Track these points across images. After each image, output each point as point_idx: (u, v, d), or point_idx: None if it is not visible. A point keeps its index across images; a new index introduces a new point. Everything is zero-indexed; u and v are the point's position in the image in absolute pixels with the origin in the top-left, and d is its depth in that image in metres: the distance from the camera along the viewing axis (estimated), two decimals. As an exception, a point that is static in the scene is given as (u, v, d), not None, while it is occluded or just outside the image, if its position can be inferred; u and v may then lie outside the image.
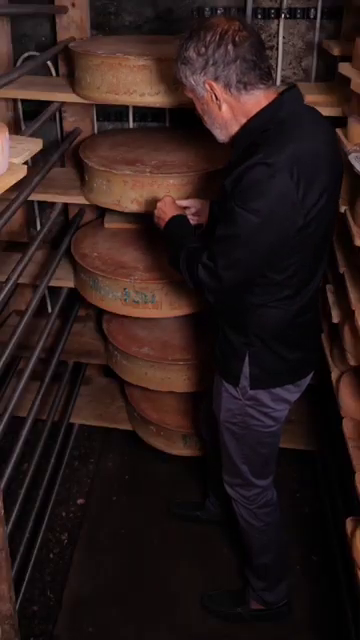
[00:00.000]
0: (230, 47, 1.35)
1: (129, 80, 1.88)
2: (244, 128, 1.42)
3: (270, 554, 1.87)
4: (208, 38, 1.36)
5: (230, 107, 1.41)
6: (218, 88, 1.39)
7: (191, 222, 1.74)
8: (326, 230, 1.47)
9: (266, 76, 1.39)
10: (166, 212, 1.69)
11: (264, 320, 1.52)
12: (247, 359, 1.57)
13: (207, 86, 1.40)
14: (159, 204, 1.72)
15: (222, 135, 1.48)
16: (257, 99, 1.40)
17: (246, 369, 1.58)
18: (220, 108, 1.42)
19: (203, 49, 1.37)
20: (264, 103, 1.40)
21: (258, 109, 1.40)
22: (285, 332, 1.55)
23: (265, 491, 1.80)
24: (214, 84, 1.39)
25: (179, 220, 1.67)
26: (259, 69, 1.37)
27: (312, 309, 1.59)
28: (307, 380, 1.69)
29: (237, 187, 1.33)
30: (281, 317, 1.51)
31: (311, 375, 1.69)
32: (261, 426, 1.65)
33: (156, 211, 1.72)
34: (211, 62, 1.37)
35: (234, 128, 1.44)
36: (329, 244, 1.57)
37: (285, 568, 1.95)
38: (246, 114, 1.41)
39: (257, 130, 1.39)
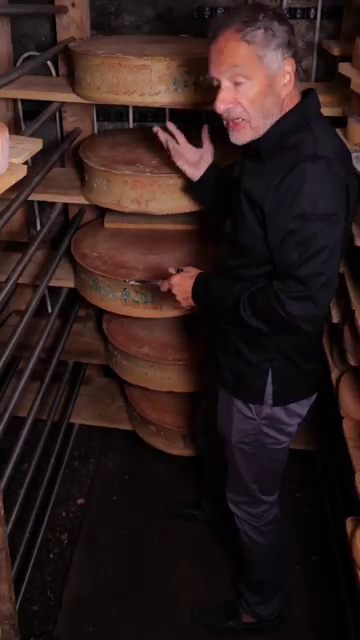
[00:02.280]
0: (294, 35, 1.32)
1: (129, 80, 1.88)
2: (272, 129, 1.35)
3: (269, 570, 1.84)
4: (284, 17, 1.31)
5: (287, 95, 1.33)
6: (293, 69, 1.31)
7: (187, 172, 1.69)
8: (350, 227, 1.45)
9: None
10: (183, 285, 1.54)
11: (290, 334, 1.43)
12: (270, 376, 1.50)
13: (285, 64, 1.29)
14: (173, 283, 1.55)
15: (263, 127, 1.35)
16: (298, 92, 1.36)
17: (269, 385, 1.50)
18: (282, 93, 1.32)
19: (286, 26, 1.29)
20: (297, 100, 1.36)
21: (293, 105, 1.35)
22: (306, 343, 1.50)
23: (272, 507, 1.76)
24: (293, 64, 1.30)
25: (203, 282, 1.52)
26: None
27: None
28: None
29: (294, 191, 1.26)
30: None
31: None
32: (275, 443, 1.60)
33: (175, 292, 1.56)
34: (293, 41, 1.30)
35: (270, 123, 1.35)
36: None
37: (281, 582, 1.92)
38: (285, 108, 1.35)
39: (286, 131, 1.33)
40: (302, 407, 1.59)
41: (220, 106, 1.34)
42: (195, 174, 1.75)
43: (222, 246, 1.56)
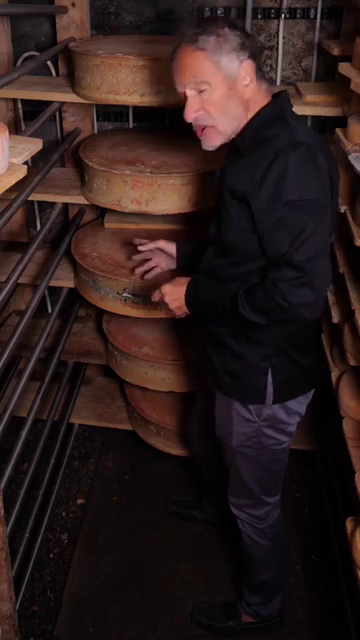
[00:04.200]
0: (249, 37, 1.36)
1: (129, 80, 1.88)
2: (253, 122, 1.39)
3: (271, 571, 1.84)
4: (236, 23, 1.37)
5: (251, 95, 1.38)
6: (252, 70, 1.35)
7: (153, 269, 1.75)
8: (336, 214, 1.46)
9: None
10: (174, 293, 1.56)
11: (287, 325, 1.43)
12: (270, 373, 1.49)
13: (245, 66, 1.34)
14: (164, 292, 1.57)
15: (231, 130, 1.40)
16: (267, 92, 1.40)
17: (269, 383, 1.50)
18: (245, 94, 1.37)
19: (238, 30, 1.35)
20: (265, 100, 1.40)
21: (263, 104, 1.39)
22: (302, 336, 1.50)
23: (275, 508, 1.75)
24: (251, 64, 1.34)
25: (195, 286, 1.53)
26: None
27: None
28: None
29: (278, 179, 1.27)
30: None
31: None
32: (276, 444, 1.60)
33: (168, 302, 1.58)
34: (248, 43, 1.34)
35: (242, 123, 1.40)
36: None
37: (281, 582, 1.92)
38: (255, 107, 1.39)
39: (263, 125, 1.37)
40: (301, 405, 1.59)
41: (190, 115, 1.39)
42: (174, 263, 1.81)
43: (207, 252, 1.56)
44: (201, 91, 1.36)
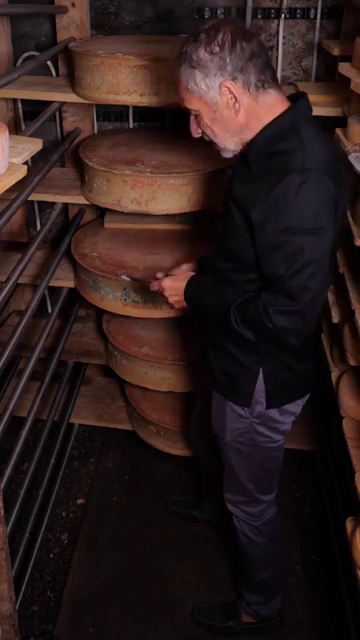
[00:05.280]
0: (244, 44, 1.26)
1: (129, 80, 1.88)
2: (261, 134, 1.33)
3: (269, 570, 1.84)
4: (220, 37, 1.26)
5: (246, 111, 1.32)
6: (237, 89, 1.29)
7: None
8: (340, 237, 1.43)
9: (275, 75, 1.35)
10: (174, 288, 1.57)
11: None
12: (261, 378, 1.50)
13: (224, 89, 1.29)
14: (165, 287, 1.59)
15: (234, 145, 1.38)
16: (274, 100, 1.33)
17: (260, 387, 1.50)
18: (237, 113, 1.32)
19: (217, 48, 1.26)
20: (279, 108, 1.33)
21: (274, 113, 1.32)
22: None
23: (270, 506, 1.75)
24: (233, 85, 1.28)
25: (195, 285, 1.54)
26: (271, 67, 1.33)
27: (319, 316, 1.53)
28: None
29: (280, 203, 1.25)
30: None
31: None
32: (269, 442, 1.60)
33: (167, 295, 1.59)
34: (228, 61, 1.27)
35: (248, 136, 1.35)
36: None
37: (281, 582, 1.92)
38: (261, 119, 1.33)
39: (275, 137, 1.32)
40: (296, 406, 1.59)
41: (193, 134, 1.43)
42: None
43: (215, 248, 1.57)
44: (195, 114, 1.38)
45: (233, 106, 1.32)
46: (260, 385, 1.51)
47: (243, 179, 1.38)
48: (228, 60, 1.27)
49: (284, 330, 1.32)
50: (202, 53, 1.28)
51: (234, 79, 1.29)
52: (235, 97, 1.30)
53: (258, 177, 1.32)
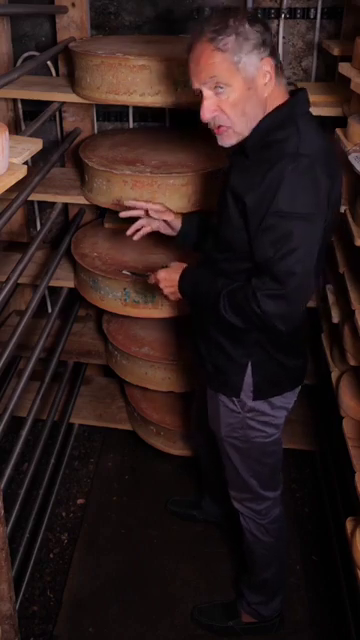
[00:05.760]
0: (268, 32, 1.31)
1: (129, 80, 1.88)
2: (260, 124, 1.35)
3: (273, 569, 1.84)
4: (253, 17, 1.30)
5: (269, 94, 1.34)
6: (273, 67, 1.31)
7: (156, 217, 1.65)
8: (332, 229, 1.46)
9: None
10: (169, 279, 1.59)
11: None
12: (249, 370, 1.52)
13: (263, 65, 1.29)
14: (160, 278, 1.61)
15: (247, 130, 1.36)
16: (284, 89, 1.37)
17: (248, 379, 1.53)
18: (263, 93, 1.32)
19: (258, 26, 1.29)
20: (280, 99, 1.36)
21: (277, 103, 1.35)
22: (284, 338, 1.50)
23: (276, 504, 1.76)
24: (271, 62, 1.30)
25: (190, 275, 1.56)
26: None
27: (307, 313, 1.55)
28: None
29: (272, 187, 1.27)
30: None
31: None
32: (263, 436, 1.61)
33: (162, 287, 1.61)
34: (267, 39, 1.29)
35: (254, 123, 1.36)
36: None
37: (283, 582, 1.92)
38: (267, 107, 1.35)
39: (273, 126, 1.34)
40: (286, 399, 1.61)
41: (206, 115, 1.37)
42: (170, 232, 1.76)
43: (208, 239, 1.58)
44: (218, 92, 1.33)
45: (265, 85, 1.32)
46: (248, 378, 1.53)
47: (240, 168, 1.39)
48: (268, 38, 1.30)
49: (270, 315, 1.33)
50: (247, 27, 1.28)
51: (272, 57, 1.31)
52: (271, 75, 1.32)
53: (254, 165, 1.34)
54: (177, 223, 1.73)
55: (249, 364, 1.52)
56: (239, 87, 1.31)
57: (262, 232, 1.31)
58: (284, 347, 1.53)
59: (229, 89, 1.32)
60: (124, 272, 1.91)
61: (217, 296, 1.43)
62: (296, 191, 1.26)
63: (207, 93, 1.34)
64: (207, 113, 1.36)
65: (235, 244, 1.41)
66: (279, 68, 1.35)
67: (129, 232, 1.76)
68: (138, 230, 1.75)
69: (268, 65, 1.31)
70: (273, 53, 1.33)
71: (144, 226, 1.74)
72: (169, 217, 1.71)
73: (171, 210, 1.73)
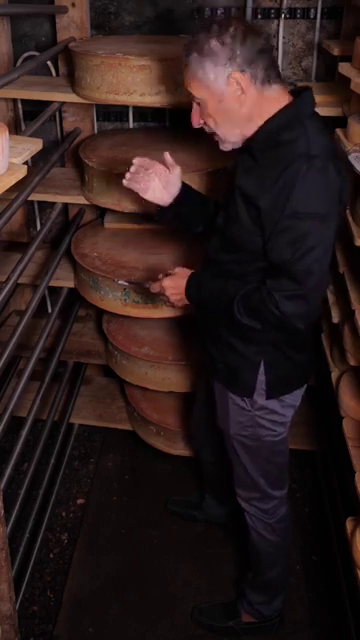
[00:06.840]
0: (255, 39, 1.31)
1: (129, 80, 1.88)
2: (266, 125, 1.36)
3: (277, 569, 1.84)
4: (232, 29, 1.30)
5: (251, 104, 1.35)
6: (245, 81, 1.32)
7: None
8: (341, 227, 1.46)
9: (280, 73, 1.39)
10: (175, 286, 1.58)
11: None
12: (262, 368, 1.52)
13: (232, 80, 1.31)
14: (165, 286, 1.59)
15: (234, 137, 1.40)
16: (278, 95, 1.37)
17: (261, 377, 1.52)
18: (242, 105, 1.35)
19: (229, 39, 1.30)
20: (283, 101, 1.37)
21: (278, 107, 1.36)
22: (298, 335, 1.50)
23: (282, 503, 1.76)
24: (241, 76, 1.31)
25: (196, 282, 1.55)
26: (277, 66, 1.37)
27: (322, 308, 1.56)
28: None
29: (287, 189, 1.27)
30: None
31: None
32: (273, 435, 1.61)
33: (168, 295, 1.60)
34: (238, 52, 1.30)
35: (250, 130, 1.38)
36: None
37: (285, 581, 1.92)
38: (263, 114, 1.36)
39: (279, 128, 1.34)
40: (295, 397, 1.61)
41: (193, 123, 1.44)
42: (166, 198, 1.63)
43: (212, 240, 1.57)
44: (197, 102, 1.40)
45: (239, 98, 1.34)
46: (261, 376, 1.52)
47: (248, 170, 1.40)
48: (238, 52, 1.31)
49: (290, 315, 1.34)
50: (213, 43, 1.31)
51: (242, 71, 1.32)
52: (242, 89, 1.33)
53: (264, 167, 1.34)
54: (174, 190, 1.62)
55: (262, 362, 1.52)
56: (210, 100, 1.36)
57: (277, 234, 1.31)
58: (295, 343, 1.53)
59: (203, 101, 1.38)
60: (120, 282, 1.91)
61: (230, 301, 1.42)
62: (310, 192, 1.27)
63: (194, 104, 1.42)
64: (194, 122, 1.44)
65: (245, 245, 1.41)
66: (268, 74, 1.34)
67: (127, 176, 1.61)
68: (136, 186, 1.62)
69: (236, 80, 1.32)
70: (249, 63, 1.31)
71: (142, 177, 1.61)
72: (175, 170, 1.61)
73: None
